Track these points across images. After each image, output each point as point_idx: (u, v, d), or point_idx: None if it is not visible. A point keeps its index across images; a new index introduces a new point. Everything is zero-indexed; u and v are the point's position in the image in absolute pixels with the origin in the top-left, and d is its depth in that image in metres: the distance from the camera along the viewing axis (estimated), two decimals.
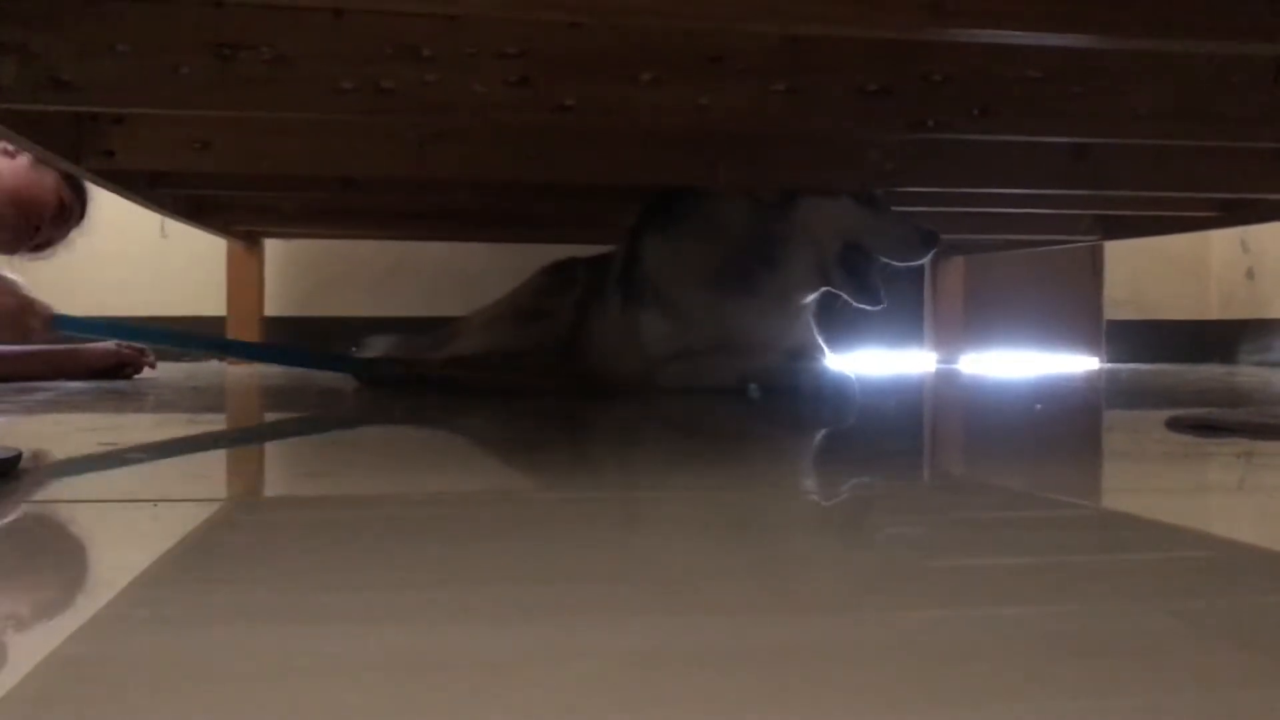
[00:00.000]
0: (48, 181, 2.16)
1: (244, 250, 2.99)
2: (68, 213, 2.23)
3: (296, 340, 3.08)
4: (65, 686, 0.37)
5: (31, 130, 1.46)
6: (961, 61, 1.37)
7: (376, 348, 2.33)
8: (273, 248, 3.13)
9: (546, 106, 1.29)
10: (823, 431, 1.43)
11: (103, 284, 2.97)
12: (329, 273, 3.28)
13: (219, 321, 3.00)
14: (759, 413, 1.57)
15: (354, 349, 2.81)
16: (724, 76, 1.32)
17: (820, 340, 1.92)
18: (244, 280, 3.00)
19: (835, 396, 1.73)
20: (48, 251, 2.27)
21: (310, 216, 2.63)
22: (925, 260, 1.80)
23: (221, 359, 2.84)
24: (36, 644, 0.44)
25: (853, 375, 1.81)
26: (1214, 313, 3.50)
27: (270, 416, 1.65)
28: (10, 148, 2.06)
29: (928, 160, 1.79)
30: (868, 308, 1.76)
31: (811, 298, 1.86)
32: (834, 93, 1.35)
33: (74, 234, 2.29)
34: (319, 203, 2.48)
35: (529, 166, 1.75)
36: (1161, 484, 0.92)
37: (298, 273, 3.26)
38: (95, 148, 1.67)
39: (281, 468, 1.09)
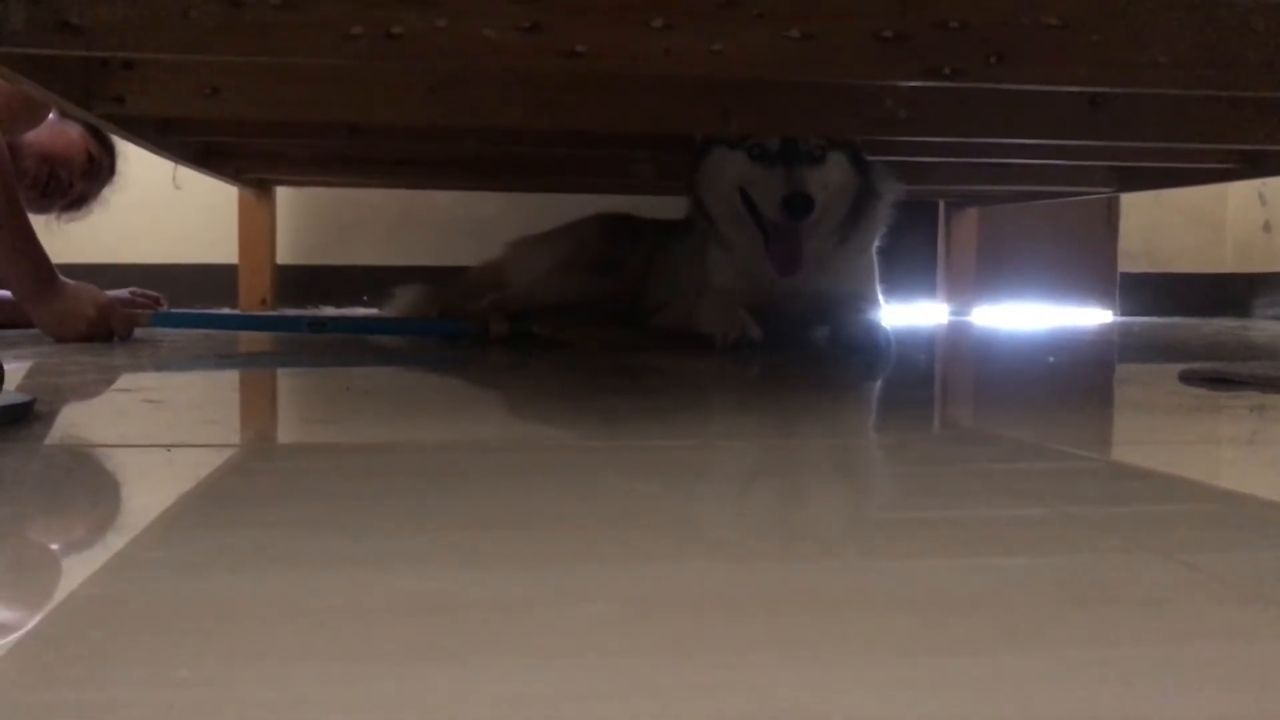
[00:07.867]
0: (72, 136, 2.09)
1: (255, 199, 2.98)
2: (97, 167, 2.14)
3: (307, 289, 3.09)
4: (82, 627, 0.38)
5: (42, 75, 1.45)
6: (979, 8, 1.34)
7: (406, 298, 2.31)
8: (284, 196, 3.12)
9: (557, 52, 1.28)
10: (839, 383, 1.43)
11: (115, 234, 2.96)
12: (340, 222, 3.27)
13: (231, 270, 3.00)
14: (781, 365, 1.57)
15: (364, 299, 2.79)
16: (737, 22, 1.30)
17: (877, 292, 1.94)
18: (256, 229, 3.00)
19: (868, 350, 1.72)
20: (82, 210, 2.19)
21: (321, 164, 2.62)
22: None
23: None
24: (54, 585, 0.45)
25: (889, 330, 1.80)
26: (1229, 266, 3.47)
27: (285, 366, 1.65)
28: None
29: (943, 109, 1.77)
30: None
31: (868, 248, 1.91)
32: (849, 38, 1.33)
33: (106, 191, 2.21)
34: (329, 150, 2.47)
35: (539, 114, 1.74)
36: (1173, 437, 0.92)
37: (309, 222, 3.25)
38: (105, 93, 1.66)
39: (295, 414, 1.10)
